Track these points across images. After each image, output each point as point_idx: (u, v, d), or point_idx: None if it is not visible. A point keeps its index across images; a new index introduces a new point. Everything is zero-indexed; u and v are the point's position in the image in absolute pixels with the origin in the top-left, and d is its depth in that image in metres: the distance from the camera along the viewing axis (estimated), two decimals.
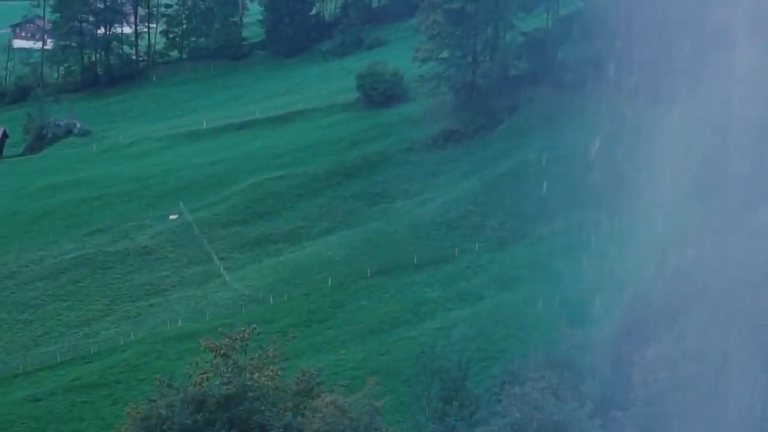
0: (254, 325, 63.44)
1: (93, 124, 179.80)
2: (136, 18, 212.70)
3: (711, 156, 69.49)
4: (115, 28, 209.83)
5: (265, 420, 57.57)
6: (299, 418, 59.76)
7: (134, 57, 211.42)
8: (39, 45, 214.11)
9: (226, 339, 60.76)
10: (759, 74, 63.40)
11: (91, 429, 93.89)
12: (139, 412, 59.91)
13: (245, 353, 60.94)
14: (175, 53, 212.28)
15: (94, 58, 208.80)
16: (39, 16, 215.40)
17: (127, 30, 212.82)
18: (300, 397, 61.44)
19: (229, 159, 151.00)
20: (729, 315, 52.19)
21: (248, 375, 59.53)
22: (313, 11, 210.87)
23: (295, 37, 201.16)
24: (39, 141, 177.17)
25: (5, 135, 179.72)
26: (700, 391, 52.31)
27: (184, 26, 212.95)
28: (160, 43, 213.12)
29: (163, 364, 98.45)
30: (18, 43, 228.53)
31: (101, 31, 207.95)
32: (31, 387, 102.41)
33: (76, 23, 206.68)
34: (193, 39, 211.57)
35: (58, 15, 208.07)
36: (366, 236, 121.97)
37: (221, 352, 60.28)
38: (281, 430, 57.21)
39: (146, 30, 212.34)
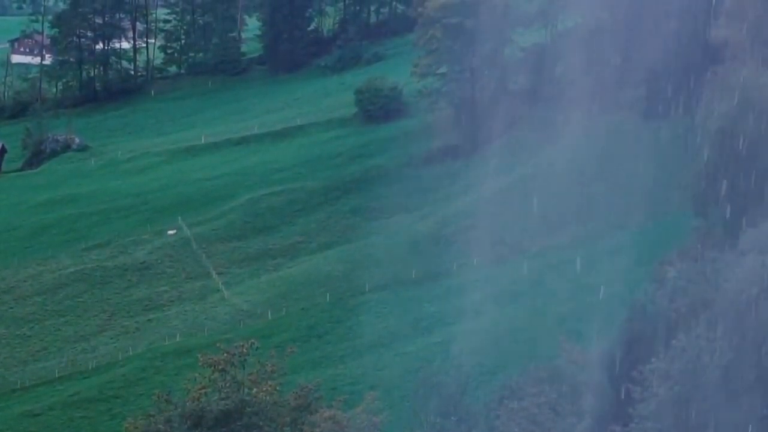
0: (252, 340, 63.50)
1: (91, 139, 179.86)
2: (134, 33, 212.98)
3: (709, 170, 69.55)
4: (113, 44, 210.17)
5: None
6: None
7: (133, 72, 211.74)
8: (37, 60, 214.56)
9: (225, 354, 60.78)
10: (756, 89, 63.50)
11: None
12: (137, 427, 59.98)
13: (243, 368, 60.95)
14: (173, 68, 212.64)
15: (92, 73, 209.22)
16: (37, 32, 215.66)
17: (125, 45, 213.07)
18: (298, 412, 61.38)
19: (227, 174, 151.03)
20: (728, 330, 52.11)
21: (246, 390, 59.56)
22: (312, 26, 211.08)
23: (293, 53, 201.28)
24: (37, 156, 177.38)
25: (3, 150, 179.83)
26: (698, 406, 52.20)
27: (183, 41, 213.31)
28: (158, 58, 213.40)
29: (161, 380, 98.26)
30: (16, 59, 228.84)
31: (100, 46, 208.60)
32: (30, 402, 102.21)
33: (74, 38, 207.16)
34: (192, 54, 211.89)
35: (56, 30, 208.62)
36: (364, 251, 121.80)
37: (219, 367, 60.29)
38: None
39: (145, 45, 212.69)
